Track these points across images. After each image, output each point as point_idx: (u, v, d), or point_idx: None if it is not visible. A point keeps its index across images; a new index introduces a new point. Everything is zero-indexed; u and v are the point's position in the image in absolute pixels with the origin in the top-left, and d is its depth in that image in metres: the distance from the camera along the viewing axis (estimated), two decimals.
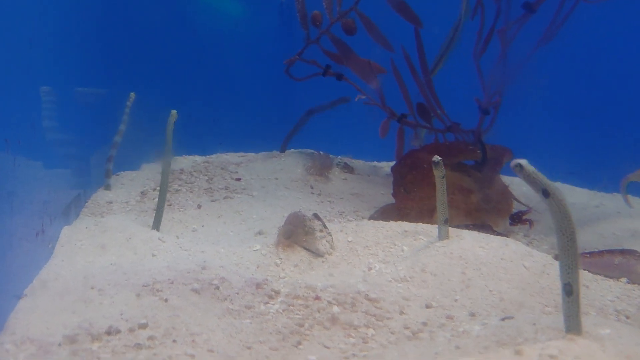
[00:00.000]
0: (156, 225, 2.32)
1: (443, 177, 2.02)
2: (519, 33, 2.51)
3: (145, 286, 1.63)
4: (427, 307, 1.69)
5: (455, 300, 1.71)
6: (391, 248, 2.15)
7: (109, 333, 1.34)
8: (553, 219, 1.11)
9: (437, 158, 1.97)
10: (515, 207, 2.88)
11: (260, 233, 2.48)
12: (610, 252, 1.93)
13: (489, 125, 2.78)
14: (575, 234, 1.10)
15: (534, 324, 1.22)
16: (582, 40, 3.15)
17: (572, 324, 1.11)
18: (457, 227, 2.32)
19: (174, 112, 2.30)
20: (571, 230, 1.09)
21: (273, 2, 3.82)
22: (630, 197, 2.81)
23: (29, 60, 1.98)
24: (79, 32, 2.82)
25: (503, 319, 1.38)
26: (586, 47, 3.26)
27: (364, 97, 3.19)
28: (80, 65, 2.87)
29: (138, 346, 1.28)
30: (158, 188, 3.05)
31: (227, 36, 3.79)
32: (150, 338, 1.33)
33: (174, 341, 1.33)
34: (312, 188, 3.24)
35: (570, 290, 1.10)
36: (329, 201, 3.04)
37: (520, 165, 1.04)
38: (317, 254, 2.18)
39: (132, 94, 3.09)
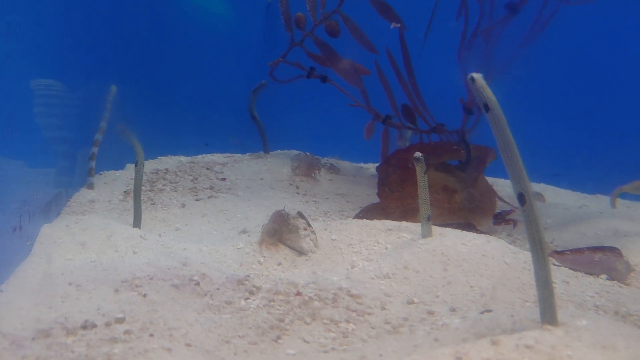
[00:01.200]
0: (137, 223, 2.30)
1: (424, 174, 2.03)
2: (502, 33, 2.53)
3: (124, 282, 1.61)
4: (409, 303, 1.69)
5: (437, 296, 1.71)
6: (375, 246, 2.15)
7: (84, 327, 1.32)
8: (494, 131, 1.16)
9: (418, 154, 1.98)
10: (500, 207, 2.91)
11: (244, 232, 2.46)
12: (591, 249, 1.94)
13: (473, 125, 2.80)
14: (514, 147, 1.16)
15: (512, 316, 1.23)
16: (567, 41, 3.19)
17: (548, 314, 1.11)
18: (441, 225, 2.33)
19: (122, 126, 2.28)
20: (509, 140, 1.16)
21: (260, 3, 3.82)
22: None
23: (4, 55, 1.95)
24: (61, 28, 2.79)
25: (482, 312, 1.39)
26: (571, 48, 3.30)
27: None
28: (62, 62, 2.85)
29: (113, 340, 1.26)
30: (142, 187, 3.03)
31: (214, 36, 3.78)
32: (127, 332, 1.31)
33: (151, 335, 1.31)
34: (297, 188, 3.23)
35: (523, 199, 1.14)
36: (314, 201, 3.04)
37: (472, 78, 1.09)
38: (300, 252, 2.18)
39: (114, 87, 3.05)
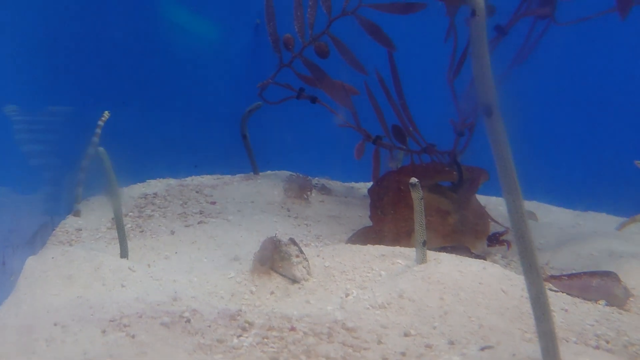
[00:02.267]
0: (124, 253, 2.24)
1: (421, 199, 2.00)
2: (491, 55, 2.53)
3: (112, 321, 1.55)
4: (406, 335, 1.65)
5: (434, 328, 1.67)
6: (368, 273, 2.11)
7: None
8: (471, 34, 1.14)
9: (414, 180, 1.95)
10: (493, 227, 2.89)
11: (235, 259, 2.41)
12: (588, 274, 1.92)
13: (464, 146, 2.78)
14: (487, 50, 1.14)
15: (514, 355, 1.19)
16: (557, 61, 3.21)
17: (550, 354, 1.08)
18: (435, 249, 2.30)
19: (101, 149, 2.22)
20: (484, 44, 1.15)
21: (248, 24, 3.80)
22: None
23: None
24: (47, 49, 2.75)
25: (482, 349, 1.35)
26: (560, 68, 3.32)
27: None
28: (49, 85, 2.80)
29: None
30: (130, 213, 2.98)
31: (202, 58, 3.76)
32: None
33: None
34: (288, 211, 3.19)
35: (489, 111, 1.11)
36: (306, 224, 3.00)
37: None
38: (293, 280, 2.13)
39: (107, 113, 3.00)
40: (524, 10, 2.40)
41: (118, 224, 2.22)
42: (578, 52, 3.25)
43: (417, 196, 1.97)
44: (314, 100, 3.44)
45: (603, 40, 3.20)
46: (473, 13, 1.13)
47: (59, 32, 2.96)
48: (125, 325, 1.52)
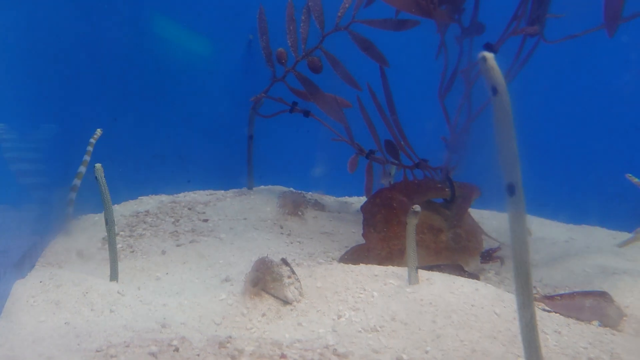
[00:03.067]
0: (114, 276, 2.21)
1: (414, 227, 1.99)
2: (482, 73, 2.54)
3: (99, 351, 1.52)
4: None
5: (426, 352, 1.65)
6: (361, 294, 2.09)
7: None
8: (495, 114, 1.11)
9: (417, 207, 1.94)
10: (486, 241, 2.88)
11: (226, 280, 2.38)
12: (582, 294, 1.91)
13: (456, 163, 2.78)
14: (513, 129, 1.14)
15: None
16: (547, 76, 3.22)
17: None
18: (427, 267, 2.29)
19: (98, 165, 2.14)
20: (510, 125, 1.14)
21: (241, 38, 3.81)
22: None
23: None
24: (37, 67, 2.74)
25: None
26: (551, 83, 3.34)
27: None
28: (39, 103, 2.79)
29: None
30: (122, 232, 2.95)
31: (195, 73, 3.75)
32: None
33: None
34: (281, 228, 3.17)
35: (513, 189, 1.09)
36: (299, 242, 2.97)
37: (485, 57, 1.04)
38: (285, 301, 2.11)
39: (99, 130, 2.97)
40: (513, 29, 2.41)
41: (111, 246, 2.20)
42: (569, 68, 3.27)
43: (412, 222, 1.95)
44: (307, 114, 3.44)
45: (593, 56, 3.21)
46: (494, 91, 1.10)
47: (49, 47, 2.95)
48: (112, 356, 1.50)
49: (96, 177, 2.11)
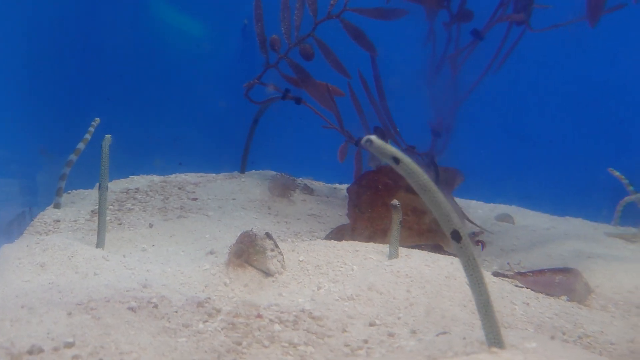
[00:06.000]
0: (100, 243, 2.26)
1: (400, 222, 2.05)
2: (468, 59, 2.60)
3: (79, 305, 1.57)
4: (371, 325, 1.68)
5: (399, 318, 1.71)
6: (341, 267, 2.14)
7: (30, 352, 1.28)
8: (408, 179, 1.16)
9: (395, 202, 2.00)
10: (470, 228, 2.93)
11: (211, 252, 2.43)
12: (552, 271, 1.97)
13: (442, 147, 2.83)
14: (431, 186, 1.16)
15: (464, 338, 1.23)
16: (532, 65, 3.28)
17: (492, 338, 1.12)
18: (409, 247, 2.34)
19: (108, 136, 2.25)
20: (426, 182, 1.16)
21: (236, 24, 3.85)
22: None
23: None
24: (31, 44, 2.77)
25: (438, 335, 1.39)
26: (536, 72, 3.39)
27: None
28: (33, 80, 2.82)
29: None
30: (110, 206, 2.99)
31: (189, 57, 3.79)
32: (75, 357, 1.28)
33: None
34: (269, 209, 3.22)
35: (458, 235, 1.14)
36: (286, 222, 3.03)
37: (370, 140, 1.09)
38: (267, 273, 2.16)
39: (97, 119, 3.01)
40: (499, 16, 2.46)
41: (101, 212, 2.24)
42: (554, 59, 3.33)
43: (397, 217, 2.01)
44: (298, 101, 3.49)
45: (579, 48, 3.27)
46: (397, 161, 1.10)
47: (42, 27, 2.99)
48: (91, 309, 1.54)
49: (102, 145, 2.18)
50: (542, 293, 1.90)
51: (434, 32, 2.74)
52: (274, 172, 4.02)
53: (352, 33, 3.04)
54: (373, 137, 1.08)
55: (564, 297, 1.88)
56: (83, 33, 3.27)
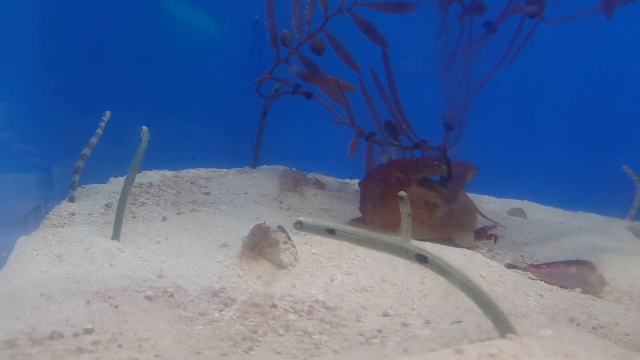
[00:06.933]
0: (116, 235, 2.29)
1: (408, 215, 2.05)
2: (481, 51, 2.59)
3: (97, 293, 1.59)
4: (384, 315, 1.69)
5: (412, 309, 1.71)
6: (354, 259, 2.15)
7: (51, 338, 1.30)
8: (350, 242, 1.17)
9: (402, 194, 2.00)
10: (482, 223, 2.93)
11: (224, 245, 2.45)
12: (566, 263, 1.96)
13: (454, 141, 2.83)
14: (371, 236, 1.17)
15: (480, 326, 1.23)
16: (545, 58, 3.25)
17: (502, 327, 1.12)
18: (422, 240, 2.35)
19: (145, 128, 2.28)
20: (366, 236, 1.18)
21: (247, 19, 3.86)
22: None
23: None
24: (46, 41, 2.81)
25: (452, 323, 1.39)
26: (549, 65, 3.36)
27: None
28: (47, 75, 2.86)
29: (80, 350, 1.24)
30: None
31: (201, 52, 3.81)
32: (95, 343, 1.30)
33: (119, 346, 1.30)
34: (281, 203, 3.23)
35: (423, 258, 1.14)
36: (297, 216, 3.04)
37: (300, 222, 1.10)
38: (280, 265, 2.17)
39: (108, 113, 3.04)
40: (512, 7, 2.45)
41: (120, 205, 2.27)
42: (569, 52, 3.30)
43: (405, 210, 2.02)
44: (308, 96, 3.49)
45: (594, 40, 3.24)
46: (332, 232, 1.12)
47: (56, 24, 3.02)
48: (109, 297, 1.57)
49: (141, 138, 2.22)
50: (555, 285, 1.90)
51: (447, 24, 2.73)
52: (285, 168, 4.03)
53: (363, 27, 3.04)
54: (302, 219, 1.10)
55: (578, 289, 1.87)
56: (96, 28, 3.30)
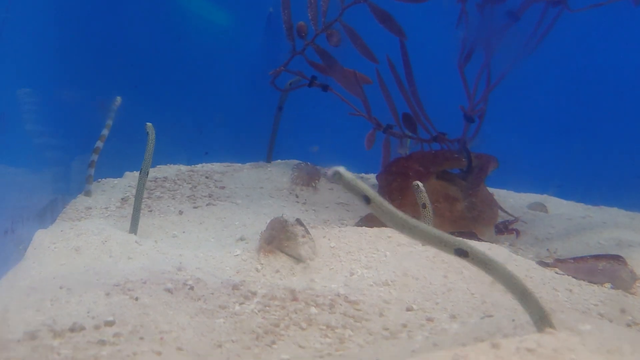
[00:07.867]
0: (133, 229, 2.27)
1: (423, 205, 2.01)
2: (502, 41, 2.52)
3: (117, 286, 1.57)
4: (408, 310, 1.64)
5: (437, 303, 1.67)
6: (374, 253, 2.11)
7: (72, 330, 1.28)
8: (382, 219, 1.12)
9: (417, 183, 1.97)
10: (503, 217, 2.87)
11: (241, 239, 2.42)
12: (594, 257, 1.90)
13: (474, 133, 2.77)
14: (408, 221, 1.14)
15: (513, 320, 1.19)
16: (569, 49, 3.16)
17: (540, 320, 1.07)
18: None
19: (149, 124, 2.27)
20: (403, 219, 1.14)
21: (261, 12, 3.82)
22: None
23: None
24: (61, 34, 2.79)
25: (482, 318, 1.34)
26: (573, 56, 3.28)
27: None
28: (62, 69, 2.84)
29: (102, 342, 1.22)
30: None
31: (215, 45, 3.78)
32: (116, 335, 1.27)
33: (141, 338, 1.27)
34: (297, 197, 3.20)
35: (465, 252, 1.08)
36: (314, 210, 3.00)
37: (339, 173, 1.03)
38: (299, 259, 2.14)
39: (119, 98, 3.03)
40: None
41: (137, 198, 2.25)
42: (591, 43, 3.21)
43: (419, 200, 1.98)
44: (325, 88, 3.44)
45: (620, 29, 3.14)
46: (367, 200, 1.06)
47: (71, 14, 3.00)
48: (129, 290, 1.54)
49: (147, 132, 2.20)
50: (584, 280, 1.84)
51: (466, 14, 2.66)
52: (299, 162, 3.99)
53: (380, 17, 2.98)
54: (342, 170, 1.04)
55: (608, 285, 1.81)
56: (112, 23, 3.28)
